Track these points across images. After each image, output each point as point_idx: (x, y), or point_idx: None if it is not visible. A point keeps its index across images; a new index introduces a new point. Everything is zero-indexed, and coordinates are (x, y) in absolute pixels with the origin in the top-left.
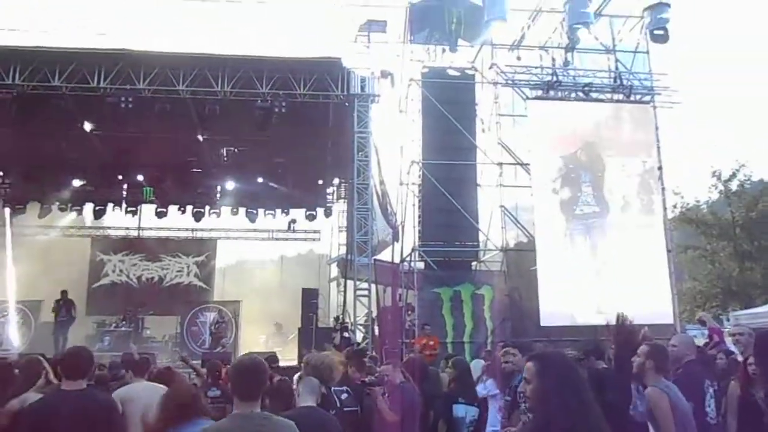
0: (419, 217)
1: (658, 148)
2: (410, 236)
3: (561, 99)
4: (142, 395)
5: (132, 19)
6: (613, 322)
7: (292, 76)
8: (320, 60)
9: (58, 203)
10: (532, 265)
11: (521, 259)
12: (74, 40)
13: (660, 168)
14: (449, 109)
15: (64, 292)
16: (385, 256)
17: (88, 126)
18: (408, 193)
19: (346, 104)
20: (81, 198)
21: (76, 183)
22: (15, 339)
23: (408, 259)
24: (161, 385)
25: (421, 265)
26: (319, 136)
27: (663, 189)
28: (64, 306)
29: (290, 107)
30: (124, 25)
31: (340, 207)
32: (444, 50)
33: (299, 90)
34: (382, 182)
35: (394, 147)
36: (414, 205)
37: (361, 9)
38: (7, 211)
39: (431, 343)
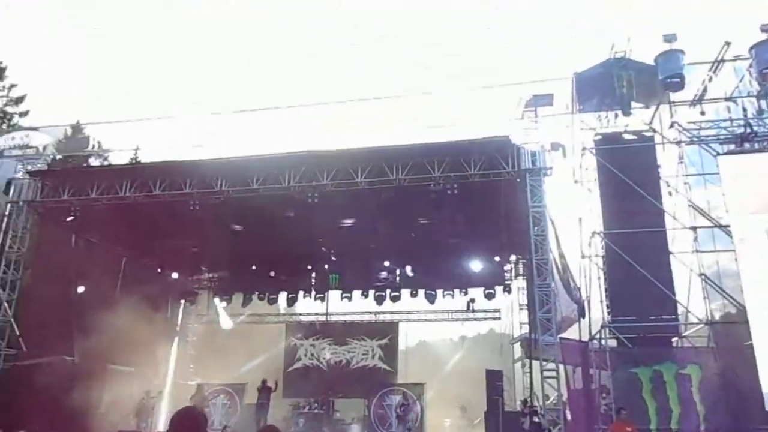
0: (606, 290)
1: None
2: (597, 311)
3: (759, 151)
4: None
5: (310, 124)
6: None
7: (462, 157)
8: (489, 139)
9: (257, 293)
10: (746, 339)
11: (732, 332)
12: (268, 148)
13: None
14: (629, 174)
15: (264, 380)
16: (571, 333)
17: (279, 221)
18: (591, 265)
19: (518, 180)
20: (276, 287)
21: (272, 274)
22: (223, 419)
23: (597, 336)
24: None
25: (612, 342)
26: (492, 214)
27: None
28: (264, 390)
29: (462, 188)
30: (305, 130)
31: (519, 284)
32: (617, 115)
33: (470, 170)
34: (561, 256)
35: (572, 219)
36: (599, 278)
37: (527, 85)
38: (217, 301)
39: (629, 429)
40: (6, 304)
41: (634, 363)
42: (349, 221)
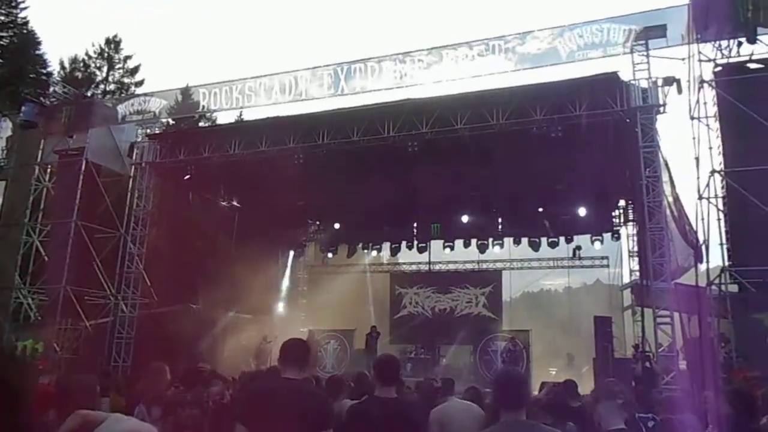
0: (726, 233)
1: None
2: (716, 256)
3: None
4: (456, 415)
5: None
6: None
7: (566, 98)
8: (595, 77)
9: (361, 244)
10: None
11: None
12: (367, 98)
13: None
14: (754, 108)
15: (373, 327)
16: (687, 280)
17: (380, 172)
18: (709, 207)
19: (628, 120)
20: (380, 238)
21: (374, 225)
22: (334, 363)
23: (717, 281)
24: (473, 404)
25: (734, 287)
26: (599, 157)
27: None
28: (373, 336)
29: (567, 130)
30: (401, 79)
31: (629, 231)
32: (740, 43)
33: (575, 111)
34: (676, 199)
35: (688, 159)
36: (719, 220)
37: (636, 17)
38: (324, 253)
39: (751, 376)
40: (137, 258)
41: (758, 309)
42: (449, 169)
